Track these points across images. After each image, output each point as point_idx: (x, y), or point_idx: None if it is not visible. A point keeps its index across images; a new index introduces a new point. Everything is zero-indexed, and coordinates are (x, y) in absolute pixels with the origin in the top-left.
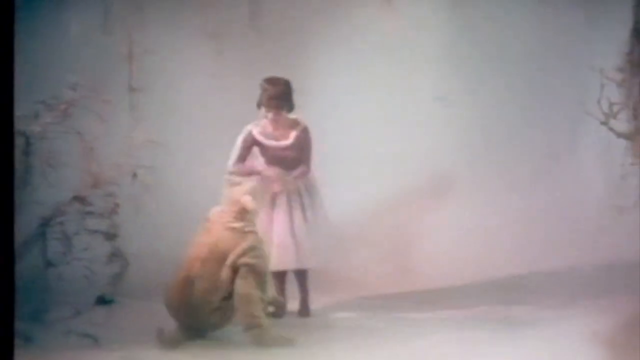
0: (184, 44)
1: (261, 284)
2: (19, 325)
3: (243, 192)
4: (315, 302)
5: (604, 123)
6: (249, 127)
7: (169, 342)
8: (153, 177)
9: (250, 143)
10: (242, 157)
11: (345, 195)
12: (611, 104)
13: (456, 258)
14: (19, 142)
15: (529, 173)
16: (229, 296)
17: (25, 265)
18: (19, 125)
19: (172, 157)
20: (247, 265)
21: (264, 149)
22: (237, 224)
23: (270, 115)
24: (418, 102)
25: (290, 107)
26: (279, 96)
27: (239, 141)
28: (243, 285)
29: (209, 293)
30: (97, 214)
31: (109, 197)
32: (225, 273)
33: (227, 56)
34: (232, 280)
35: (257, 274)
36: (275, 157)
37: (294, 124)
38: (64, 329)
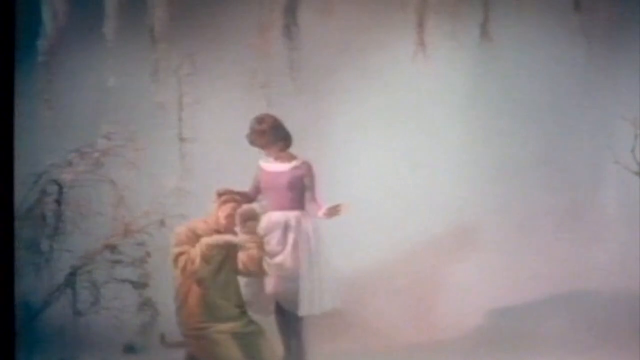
0: (233, 94)
1: None
2: None
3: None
4: (331, 349)
5: (638, 174)
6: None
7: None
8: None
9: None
10: (255, 188)
11: (369, 242)
12: None
13: (478, 308)
14: (51, 190)
15: (553, 224)
16: None
17: (54, 314)
18: (52, 173)
19: (203, 206)
20: None
21: (263, 182)
22: None
23: (264, 151)
24: (444, 150)
25: (283, 142)
26: (265, 133)
27: None
28: None
29: None
30: (127, 263)
31: (140, 246)
32: None
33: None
34: None
35: None
36: (270, 194)
37: (292, 157)
38: None
